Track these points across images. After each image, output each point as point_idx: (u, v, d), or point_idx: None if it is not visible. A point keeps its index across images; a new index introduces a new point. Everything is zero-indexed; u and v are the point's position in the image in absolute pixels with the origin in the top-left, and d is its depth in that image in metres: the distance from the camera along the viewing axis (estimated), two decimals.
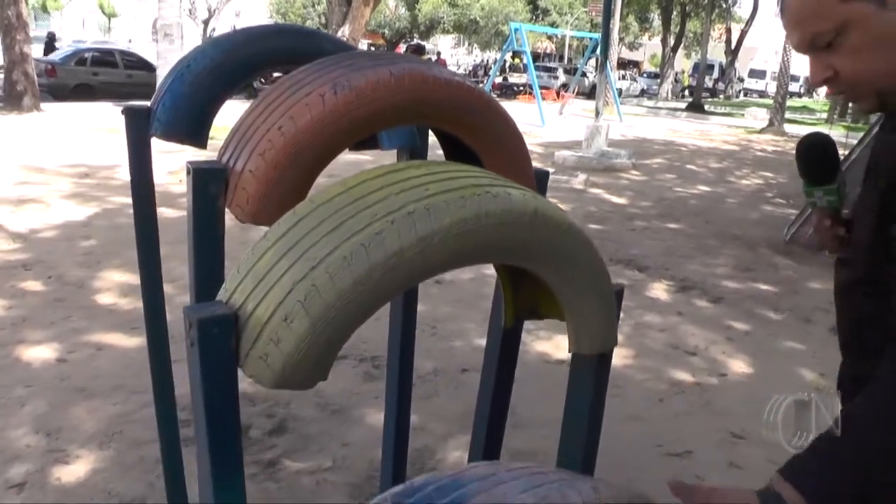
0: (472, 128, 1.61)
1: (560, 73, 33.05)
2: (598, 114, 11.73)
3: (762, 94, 49.42)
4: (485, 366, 1.86)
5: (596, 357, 1.46)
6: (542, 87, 22.65)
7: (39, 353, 3.58)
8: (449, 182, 1.21)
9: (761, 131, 19.34)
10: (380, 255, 1.10)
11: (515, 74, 32.63)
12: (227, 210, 1.55)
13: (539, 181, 1.81)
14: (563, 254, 1.30)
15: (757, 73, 53.48)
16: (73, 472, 2.68)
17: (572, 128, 16.38)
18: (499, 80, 31.50)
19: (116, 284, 4.51)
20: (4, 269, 4.73)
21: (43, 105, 13.85)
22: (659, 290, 5.28)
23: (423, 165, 1.30)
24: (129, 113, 1.95)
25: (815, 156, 1.48)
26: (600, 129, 11.28)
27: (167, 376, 2.25)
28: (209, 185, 1.51)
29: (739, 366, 4.03)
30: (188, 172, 1.53)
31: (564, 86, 29.41)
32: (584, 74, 29.09)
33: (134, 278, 4.57)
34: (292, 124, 1.47)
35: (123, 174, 7.42)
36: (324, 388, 3.20)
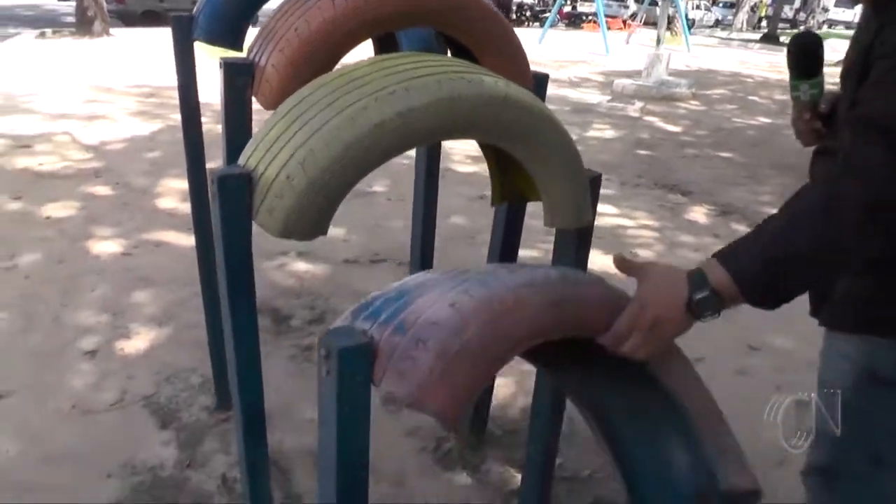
0: (469, 32, 1.79)
1: (630, 1, 32.11)
2: (659, 42, 11.54)
3: (849, 25, 46.91)
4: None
5: (575, 233, 1.67)
6: (610, 16, 22.11)
7: (107, 247, 3.94)
8: (431, 69, 1.42)
9: (836, 63, 18.58)
10: (364, 126, 1.33)
11: (586, 3, 31.84)
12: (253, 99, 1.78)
13: (538, 83, 1.98)
14: (535, 136, 1.50)
15: (843, 2, 50.76)
16: (135, 345, 3.02)
17: (638, 57, 16.07)
18: (567, 8, 30.81)
19: (176, 191, 4.84)
20: (78, 176, 5.10)
21: (112, 30, 14.28)
22: (699, 214, 5.36)
23: (412, 56, 1.51)
24: (175, 21, 2.19)
25: (806, 51, 1.64)
26: (661, 58, 11.12)
27: (213, 268, 2.52)
28: (237, 77, 1.74)
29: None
30: (220, 66, 1.76)
31: (633, 15, 28.61)
32: (654, 3, 28.25)
33: None
34: (307, 26, 1.68)
35: None
36: (364, 286, 3.45)
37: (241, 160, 1.42)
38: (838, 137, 1.31)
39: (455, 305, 1.04)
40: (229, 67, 1.72)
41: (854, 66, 1.33)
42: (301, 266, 3.84)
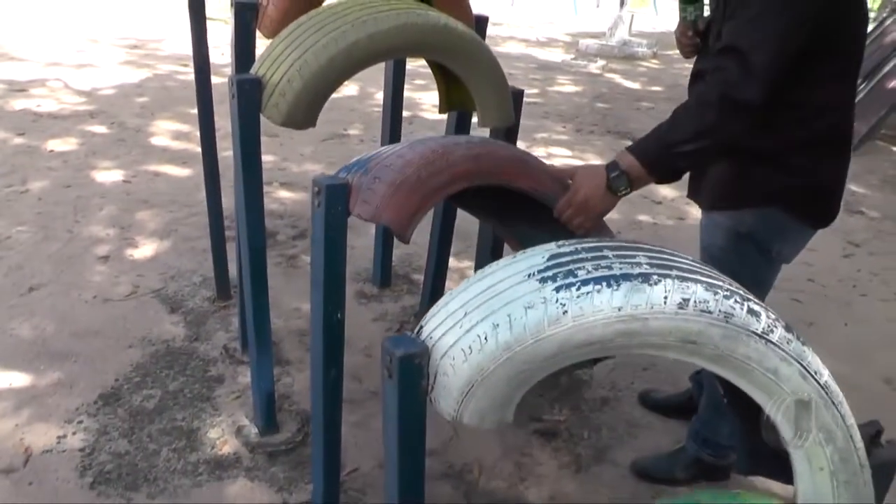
0: None
1: None
2: (622, 4, 12.01)
3: None
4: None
5: (503, 133, 2.21)
6: None
7: (109, 176, 4.41)
8: (393, 6, 1.94)
9: None
10: (343, 44, 1.84)
11: None
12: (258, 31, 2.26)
13: (478, 24, 2.49)
14: (468, 56, 2.05)
15: None
16: (142, 252, 3.53)
17: (606, 18, 16.50)
18: None
19: (168, 131, 5.29)
20: (74, 116, 5.52)
21: None
22: None
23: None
24: None
25: None
26: (623, 19, 11.59)
27: (217, 191, 3.01)
28: (246, 13, 2.23)
29: (699, 212, 4.72)
30: (231, 6, 2.24)
31: None
32: None
33: (182, 126, 5.36)
34: None
35: (167, 47, 8.10)
36: None
37: (253, 70, 1.94)
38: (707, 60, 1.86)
39: (402, 156, 1.58)
40: (240, 6, 2.21)
41: (719, 5, 1.87)
42: (284, 194, 4.34)
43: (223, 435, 2.41)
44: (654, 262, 1.13)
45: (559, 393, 2.71)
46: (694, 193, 2.10)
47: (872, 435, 1.23)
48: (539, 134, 6.02)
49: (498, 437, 2.46)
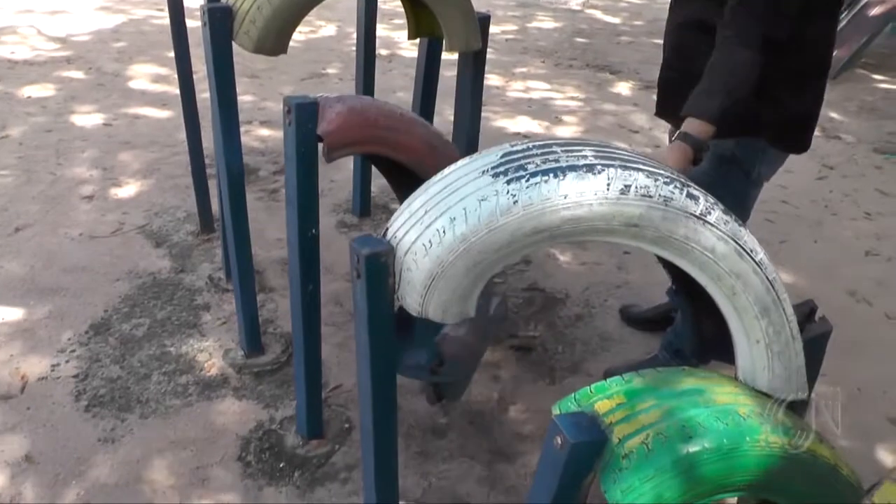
0: None
1: None
2: None
3: None
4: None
5: (471, 57, 2.26)
6: None
7: (89, 119, 4.42)
8: None
9: None
10: None
11: None
12: None
13: None
14: None
15: None
16: (126, 191, 3.58)
17: None
18: None
19: (146, 74, 5.28)
20: (51, 62, 5.49)
21: None
22: (623, 88, 5.92)
23: None
24: None
25: None
26: None
27: (197, 129, 3.03)
28: None
29: None
30: None
31: None
32: None
33: (160, 70, 5.35)
34: None
35: None
36: None
37: (223, 0, 1.98)
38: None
39: (374, 101, 1.71)
40: None
41: None
42: (264, 132, 4.37)
43: (211, 358, 2.50)
44: (600, 154, 1.20)
45: (534, 311, 2.81)
46: (674, 120, 2.17)
47: (807, 313, 1.32)
48: (518, 69, 6.03)
49: None
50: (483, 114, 4.89)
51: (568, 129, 4.85)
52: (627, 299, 2.92)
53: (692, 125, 1.82)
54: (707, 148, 1.82)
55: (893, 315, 3.00)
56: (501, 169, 1.20)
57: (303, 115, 1.71)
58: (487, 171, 1.21)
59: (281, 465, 2.07)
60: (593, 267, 3.18)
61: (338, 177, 3.73)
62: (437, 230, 1.21)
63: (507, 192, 1.16)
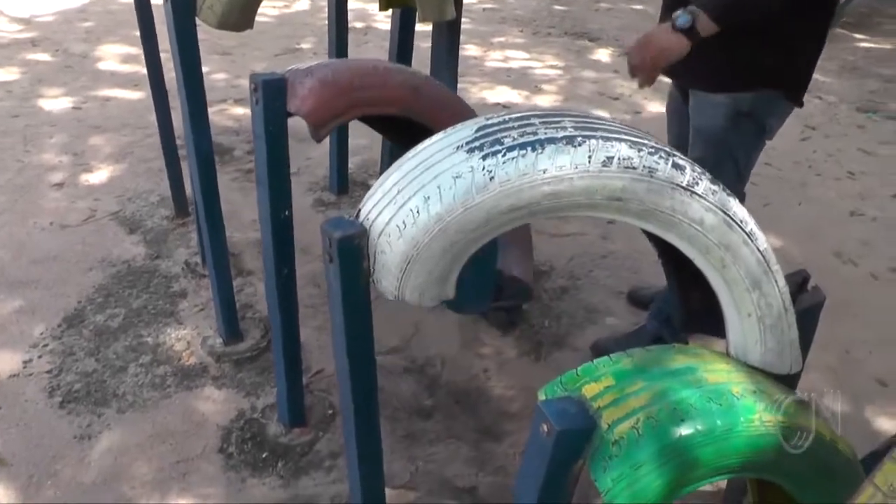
0: None
1: None
2: None
3: None
4: None
5: (446, 28, 2.18)
6: None
7: (58, 103, 4.29)
8: None
9: None
10: None
11: None
12: None
13: None
14: None
15: None
16: (98, 177, 3.48)
17: None
18: None
19: (116, 54, 5.14)
20: (14, 44, 5.33)
21: None
22: (603, 55, 5.84)
23: None
24: None
25: None
26: None
27: (167, 108, 2.93)
28: None
29: (655, 107, 4.71)
30: None
31: None
32: None
33: (130, 49, 5.21)
34: None
35: None
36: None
37: None
38: None
39: (344, 62, 1.64)
40: None
41: None
42: (239, 111, 4.27)
43: (189, 347, 2.43)
44: (580, 125, 1.14)
45: None
46: (684, 77, 2.11)
47: (799, 283, 1.27)
48: (496, 38, 5.93)
49: (459, 331, 2.51)
50: (461, 85, 4.83)
51: (548, 98, 4.78)
52: (613, 270, 2.88)
53: (692, 9, 1.76)
54: (690, 22, 1.76)
55: (879, 275, 2.98)
56: (477, 144, 1.13)
57: (270, 91, 1.63)
58: (462, 146, 1.15)
59: (264, 456, 2.01)
60: (577, 238, 3.13)
61: (314, 153, 3.65)
62: (411, 210, 1.15)
63: (483, 168, 1.09)
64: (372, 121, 1.87)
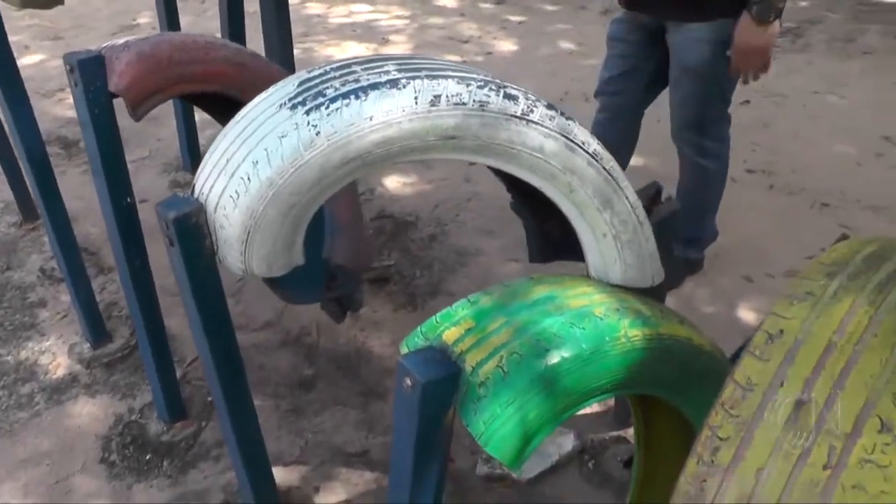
0: None
1: None
2: None
3: None
4: None
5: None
6: None
7: None
8: None
9: None
10: None
11: None
12: None
13: None
14: None
15: None
16: None
17: None
18: None
19: None
20: None
21: None
22: (448, 0, 5.75)
23: None
24: None
25: None
26: None
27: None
28: None
29: (507, 45, 4.71)
30: None
31: None
32: None
33: None
34: None
35: None
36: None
37: None
38: None
39: (163, 36, 1.51)
40: None
41: None
42: None
43: (55, 358, 2.28)
44: (403, 67, 1.09)
45: (385, 239, 2.72)
46: (662, 10, 2.11)
47: (652, 195, 1.28)
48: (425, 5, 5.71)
49: None
50: (307, 44, 4.69)
51: (397, 49, 4.69)
52: (479, 211, 2.87)
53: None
54: (770, 13, 1.87)
55: (737, 177, 3.08)
56: (299, 99, 1.07)
57: (88, 72, 1.50)
58: (285, 103, 1.08)
59: (147, 458, 1.91)
60: (440, 184, 3.10)
61: (163, 133, 3.47)
62: (242, 178, 1.08)
63: (308, 123, 1.03)
64: (197, 99, 1.77)
